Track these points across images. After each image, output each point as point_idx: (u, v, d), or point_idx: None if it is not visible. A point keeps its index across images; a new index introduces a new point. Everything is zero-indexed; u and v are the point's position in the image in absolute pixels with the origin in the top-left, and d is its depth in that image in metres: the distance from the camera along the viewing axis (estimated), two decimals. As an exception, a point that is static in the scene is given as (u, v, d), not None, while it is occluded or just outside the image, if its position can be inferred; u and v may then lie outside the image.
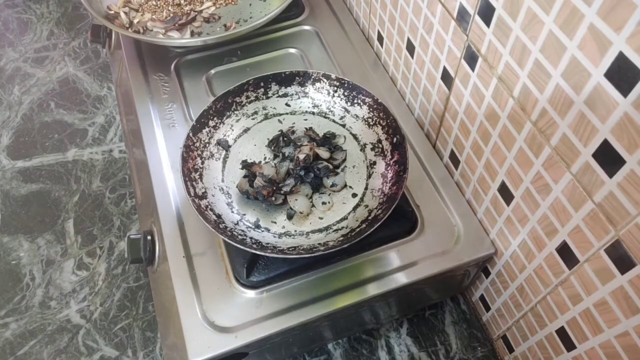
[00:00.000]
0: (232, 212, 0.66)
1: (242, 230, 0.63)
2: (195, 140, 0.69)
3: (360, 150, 0.72)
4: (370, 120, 0.73)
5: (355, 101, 0.74)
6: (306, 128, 0.74)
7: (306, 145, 0.69)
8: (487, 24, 0.53)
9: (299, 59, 0.88)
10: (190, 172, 0.66)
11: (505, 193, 0.60)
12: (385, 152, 0.70)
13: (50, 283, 0.91)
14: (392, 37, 0.80)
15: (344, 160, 0.71)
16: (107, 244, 0.96)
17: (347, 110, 0.75)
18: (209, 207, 0.64)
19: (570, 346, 0.58)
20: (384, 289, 0.63)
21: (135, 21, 0.89)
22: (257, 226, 0.65)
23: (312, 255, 0.58)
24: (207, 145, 0.71)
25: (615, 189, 0.43)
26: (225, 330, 0.60)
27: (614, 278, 0.47)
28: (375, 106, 0.72)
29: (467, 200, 0.70)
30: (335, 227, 0.65)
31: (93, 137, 1.12)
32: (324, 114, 0.76)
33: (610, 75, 0.39)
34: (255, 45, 0.89)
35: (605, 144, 0.42)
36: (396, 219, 0.64)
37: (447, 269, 0.65)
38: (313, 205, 0.67)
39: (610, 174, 0.43)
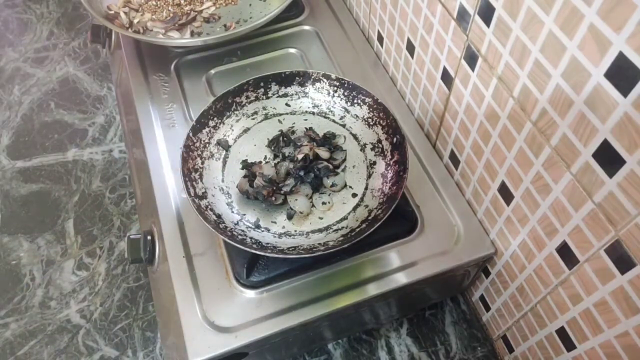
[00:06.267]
0: (232, 212, 0.66)
1: (242, 230, 0.63)
2: (195, 140, 0.69)
3: (360, 150, 0.72)
4: (370, 120, 0.73)
5: (355, 101, 0.74)
6: (306, 128, 0.74)
7: (306, 145, 0.69)
8: (487, 24, 0.53)
9: (299, 59, 0.88)
10: (190, 172, 0.66)
11: (505, 193, 0.60)
12: (385, 152, 0.70)
13: (50, 283, 0.91)
14: (392, 37, 0.80)
15: (344, 160, 0.71)
16: (107, 244, 0.96)
17: (347, 110, 0.75)
18: (209, 207, 0.64)
19: (570, 346, 0.58)
20: (384, 289, 0.63)
21: (135, 21, 0.89)
22: (257, 226, 0.65)
23: (312, 255, 0.58)
24: (207, 145, 0.71)
25: (615, 189, 0.43)
26: (225, 330, 0.60)
27: (614, 278, 0.47)
28: (375, 106, 0.72)
29: (467, 200, 0.70)
30: (335, 227, 0.65)
31: (93, 137, 1.12)
32: (324, 114, 0.76)
33: (610, 75, 0.39)
34: (255, 45, 0.89)
35: (605, 144, 0.42)
36: (396, 219, 0.64)
37: (447, 269, 0.65)
38: (313, 205, 0.67)
39: (610, 174, 0.43)
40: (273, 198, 0.66)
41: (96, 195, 1.02)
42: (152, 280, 0.79)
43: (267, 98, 0.76)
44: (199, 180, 0.67)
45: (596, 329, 0.52)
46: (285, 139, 0.72)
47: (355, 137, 0.73)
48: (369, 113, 0.73)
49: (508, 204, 0.60)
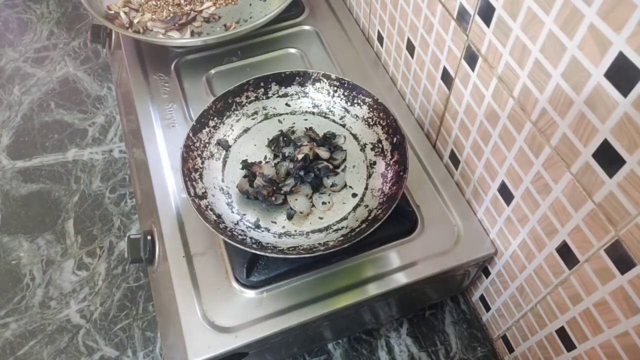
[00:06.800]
0: (232, 212, 0.66)
1: (242, 230, 0.63)
2: (195, 140, 0.69)
3: (360, 150, 0.72)
4: (370, 120, 0.73)
5: (355, 101, 0.74)
6: (306, 128, 0.74)
7: (306, 145, 0.69)
8: (487, 24, 0.53)
9: (299, 59, 0.88)
10: (190, 172, 0.66)
11: (505, 193, 0.60)
12: (385, 152, 0.70)
13: (50, 283, 0.91)
14: (392, 37, 0.80)
15: (344, 160, 0.71)
16: (107, 244, 0.96)
17: (347, 110, 0.75)
18: (209, 207, 0.64)
19: (570, 346, 0.58)
20: (384, 289, 0.63)
21: (135, 21, 0.89)
22: (257, 226, 0.65)
23: (312, 255, 0.58)
24: (207, 145, 0.71)
25: (615, 189, 0.43)
26: (225, 330, 0.60)
27: (614, 278, 0.47)
28: (375, 106, 0.72)
29: (467, 200, 0.70)
30: (335, 227, 0.65)
31: (93, 137, 1.12)
32: (324, 114, 0.76)
33: (610, 75, 0.39)
34: (255, 45, 0.89)
35: (605, 144, 0.42)
36: (396, 219, 0.64)
37: (447, 269, 0.65)
38: (313, 205, 0.67)
39: (610, 174, 0.43)
40: (273, 198, 0.66)
41: (96, 195, 1.02)
42: (152, 280, 0.79)
43: (267, 98, 0.76)
44: (199, 180, 0.67)
45: (596, 329, 0.52)
46: (285, 139, 0.72)
47: (355, 137, 0.73)
48: (369, 113, 0.73)
49: (508, 204, 0.60)
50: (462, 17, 0.58)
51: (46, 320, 0.87)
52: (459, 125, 0.67)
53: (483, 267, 0.72)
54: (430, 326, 0.83)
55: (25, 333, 0.86)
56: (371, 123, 0.73)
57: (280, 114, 0.76)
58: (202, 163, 0.69)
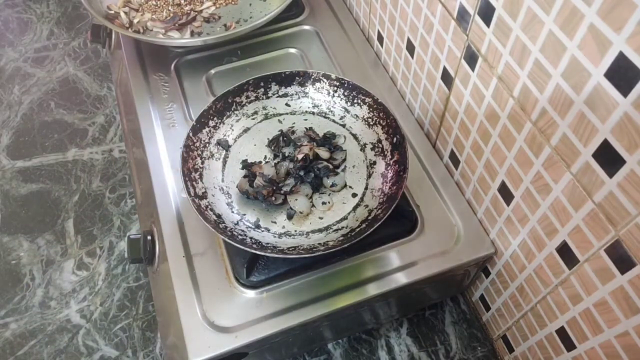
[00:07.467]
0: (232, 212, 0.66)
1: (242, 230, 0.63)
2: (195, 140, 0.69)
3: (360, 150, 0.72)
4: (370, 120, 0.73)
5: (355, 101, 0.74)
6: (306, 128, 0.74)
7: (306, 145, 0.69)
8: (487, 24, 0.53)
9: (299, 59, 0.88)
10: (190, 172, 0.66)
11: (505, 193, 0.60)
12: (385, 152, 0.70)
13: (50, 283, 0.91)
14: (392, 37, 0.80)
15: (344, 160, 0.71)
16: (107, 244, 0.96)
17: (347, 110, 0.75)
18: (209, 207, 0.64)
19: (570, 346, 0.58)
20: (384, 289, 0.63)
21: (135, 21, 0.89)
22: (257, 226, 0.65)
23: (312, 255, 0.58)
24: (207, 145, 0.71)
25: (615, 189, 0.43)
26: (225, 330, 0.60)
27: (614, 278, 0.47)
28: (375, 106, 0.72)
29: (467, 200, 0.70)
30: (335, 227, 0.65)
31: (93, 137, 1.12)
32: (324, 114, 0.76)
33: (610, 75, 0.39)
34: (255, 45, 0.89)
35: (605, 144, 0.42)
36: (396, 219, 0.64)
37: (447, 269, 0.65)
38: (313, 205, 0.67)
39: (610, 174, 0.43)
40: (273, 198, 0.66)
41: (96, 195, 1.02)
42: (152, 280, 0.79)
43: (267, 98, 0.76)
44: (199, 180, 0.67)
45: (596, 328, 0.52)
46: (285, 138, 0.72)
47: (355, 137, 0.73)
48: (369, 113, 0.73)
49: (508, 203, 0.60)
50: (462, 17, 0.58)
51: (46, 320, 0.87)
52: (459, 125, 0.67)
53: (483, 267, 0.72)
54: (430, 326, 0.83)
55: (25, 333, 0.86)
56: (371, 123, 0.73)
57: (280, 114, 0.76)
58: (202, 163, 0.69)
